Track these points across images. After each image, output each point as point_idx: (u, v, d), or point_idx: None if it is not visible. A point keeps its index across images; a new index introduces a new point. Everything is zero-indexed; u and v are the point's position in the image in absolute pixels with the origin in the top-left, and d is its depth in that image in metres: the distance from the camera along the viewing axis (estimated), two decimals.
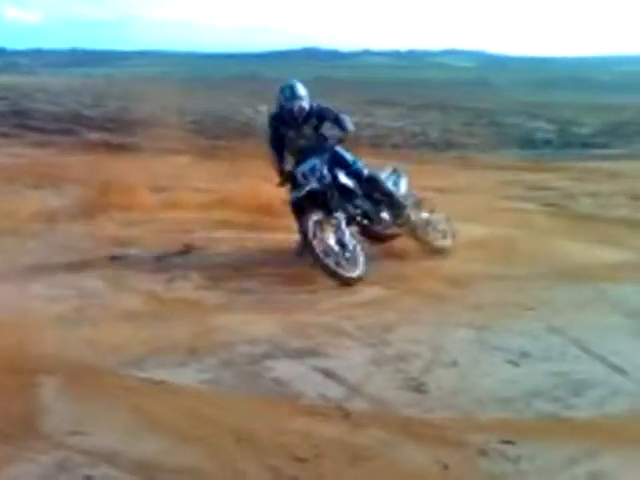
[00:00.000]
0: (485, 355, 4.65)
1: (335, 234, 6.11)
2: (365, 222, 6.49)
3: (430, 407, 3.91)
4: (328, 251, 5.96)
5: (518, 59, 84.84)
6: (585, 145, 20.15)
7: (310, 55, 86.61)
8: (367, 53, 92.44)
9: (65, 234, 7.42)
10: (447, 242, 6.95)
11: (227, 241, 7.27)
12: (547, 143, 20.69)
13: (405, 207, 6.63)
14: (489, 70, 63.71)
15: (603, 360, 4.51)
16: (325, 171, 6.26)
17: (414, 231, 6.78)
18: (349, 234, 6.16)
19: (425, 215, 6.94)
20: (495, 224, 7.81)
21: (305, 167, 6.28)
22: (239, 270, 6.30)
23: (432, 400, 3.99)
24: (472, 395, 4.04)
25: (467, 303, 5.61)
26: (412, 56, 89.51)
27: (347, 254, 6.03)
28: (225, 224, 7.84)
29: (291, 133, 6.47)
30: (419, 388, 4.13)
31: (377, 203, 6.57)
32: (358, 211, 6.44)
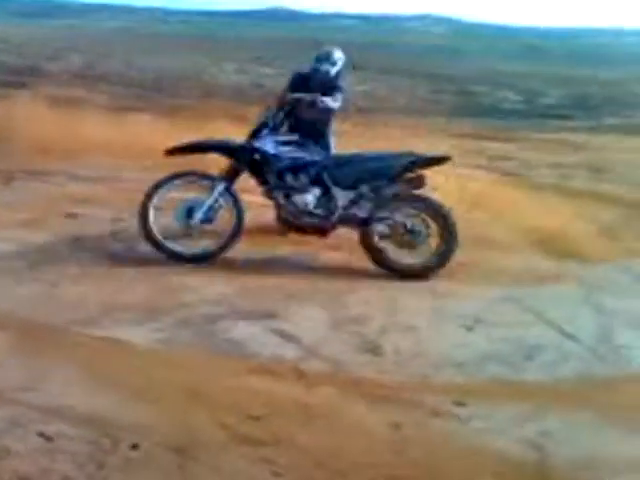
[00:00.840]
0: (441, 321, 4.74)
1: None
2: (281, 201, 5.64)
3: (385, 369, 3.98)
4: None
5: (492, 27, 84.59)
6: (550, 116, 20.33)
7: (277, 16, 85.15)
8: (337, 16, 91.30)
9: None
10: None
11: None
12: (513, 113, 20.83)
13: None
14: (461, 38, 63.52)
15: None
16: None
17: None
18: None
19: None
20: (451, 193, 7.81)
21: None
22: None
23: (387, 363, 4.06)
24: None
25: None
26: (384, 20, 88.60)
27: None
28: None
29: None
30: (375, 351, 4.19)
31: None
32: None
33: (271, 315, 4.60)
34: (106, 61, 15.04)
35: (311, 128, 6.07)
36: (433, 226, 5.55)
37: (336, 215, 5.60)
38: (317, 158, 5.71)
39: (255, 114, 6.02)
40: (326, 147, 6.19)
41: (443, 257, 5.51)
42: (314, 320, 4.58)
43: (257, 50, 29.92)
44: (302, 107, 6.01)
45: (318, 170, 5.66)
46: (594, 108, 22.80)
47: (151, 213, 5.42)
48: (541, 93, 25.54)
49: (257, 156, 5.62)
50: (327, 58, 6.23)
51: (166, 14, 77.88)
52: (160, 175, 5.57)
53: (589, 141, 14.62)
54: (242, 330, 4.36)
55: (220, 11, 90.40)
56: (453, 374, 3.99)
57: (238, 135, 5.88)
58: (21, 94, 11.88)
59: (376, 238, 5.55)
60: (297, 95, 5.97)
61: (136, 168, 8.05)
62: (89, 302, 4.58)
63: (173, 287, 4.99)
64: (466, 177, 8.64)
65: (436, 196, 5.85)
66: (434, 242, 5.53)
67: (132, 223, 5.74)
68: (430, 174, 5.71)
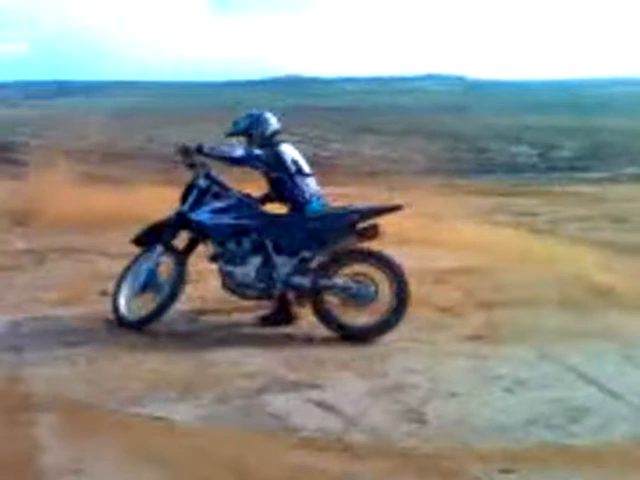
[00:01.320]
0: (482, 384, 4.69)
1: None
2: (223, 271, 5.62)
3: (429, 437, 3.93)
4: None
5: (497, 83, 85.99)
6: (567, 169, 20.43)
7: (292, 83, 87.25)
8: (349, 80, 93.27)
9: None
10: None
11: None
12: (530, 167, 20.97)
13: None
14: (469, 95, 64.47)
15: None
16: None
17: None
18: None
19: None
20: (485, 252, 7.86)
21: None
22: None
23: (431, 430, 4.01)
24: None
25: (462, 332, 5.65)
26: (393, 82, 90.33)
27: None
28: None
29: None
30: (418, 419, 4.15)
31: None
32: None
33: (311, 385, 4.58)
34: (126, 136, 15.38)
35: (273, 187, 5.85)
36: (384, 282, 5.36)
37: (278, 286, 5.49)
38: (258, 222, 5.58)
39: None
40: (296, 208, 5.73)
41: (397, 313, 5.34)
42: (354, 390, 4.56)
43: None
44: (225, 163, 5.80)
45: (260, 235, 5.54)
46: (609, 158, 22.90)
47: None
48: (555, 146, 25.72)
49: (194, 227, 5.68)
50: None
51: (184, 87, 79.80)
52: None
53: (609, 191, 14.65)
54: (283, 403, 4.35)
55: (239, 81, 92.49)
56: (497, 440, 3.93)
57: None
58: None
59: (325, 306, 5.43)
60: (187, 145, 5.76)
61: None
62: (130, 380, 4.61)
63: (211, 361, 5.01)
64: (497, 234, 8.68)
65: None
66: (387, 297, 5.36)
67: None
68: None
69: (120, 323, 5.61)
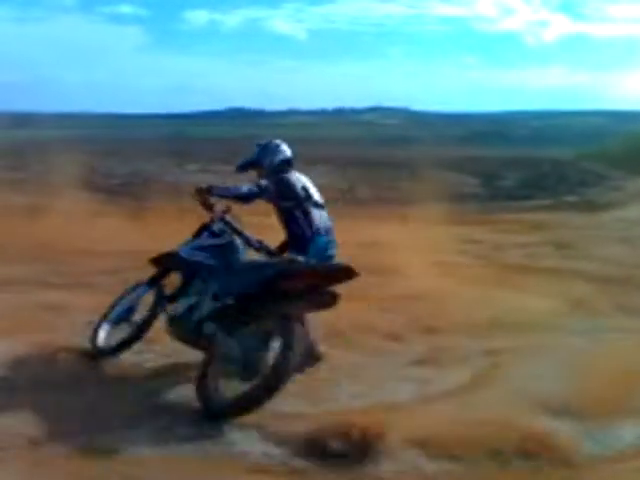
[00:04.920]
0: None
1: None
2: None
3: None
4: None
5: (440, 114, 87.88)
6: (509, 197, 20.87)
7: (236, 115, 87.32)
8: (293, 112, 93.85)
9: None
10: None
11: None
12: (473, 196, 21.35)
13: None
14: (413, 127, 65.64)
15: None
16: None
17: None
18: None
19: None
20: (429, 278, 7.90)
21: None
22: None
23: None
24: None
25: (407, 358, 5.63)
26: (339, 114, 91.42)
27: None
28: None
29: None
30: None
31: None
32: None
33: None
34: (70, 167, 15.08)
35: (283, 221, 5.44)
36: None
37: (190, 328, 4.96)
38: (212, 263, 5.16)
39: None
40: (297, 246, 5.30)
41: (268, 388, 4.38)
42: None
43: (219, 151, 30.41)
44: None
45: (211, 277, 5.07)
46: (550, 187, 23.49)
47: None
48: (497, 175, 26.27)
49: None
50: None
51: (127, 118, 79.11)
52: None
53: (550, 219, 14.98)
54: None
55: (182, 113, 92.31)
56: None
57: None
58: None
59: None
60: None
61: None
62: None
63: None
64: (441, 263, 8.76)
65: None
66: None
67: None
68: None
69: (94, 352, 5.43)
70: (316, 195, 5.50)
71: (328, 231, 5.42)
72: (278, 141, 5.70)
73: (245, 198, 5.26)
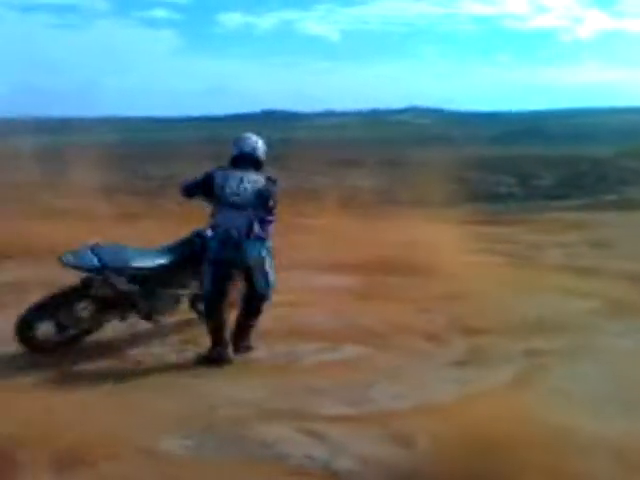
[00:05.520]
0: None
1: None
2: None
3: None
4: None
5: (474, 114, 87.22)
6: (547, 197, 20.64)
7: (270, 117, 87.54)
8: (329, 114, 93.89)
9: None
10: None
11: None
12: (510, 196, 21.17)
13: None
14: (448, 126, 65.25)
15: None
16: None
17: None
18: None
19: None
20: (467, 278, 7.87)
21: None
22: None
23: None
24: None
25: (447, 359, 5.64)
26: (374, 115, 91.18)
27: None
28: None
29: None
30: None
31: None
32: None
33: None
34: (110, 171, 15.30)
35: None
36: None
37: None
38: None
39: None
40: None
41: None
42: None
43: None
44: None
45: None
46: (588, 186, 23.17)
47: None
48: (534, 175, 26.00)
49: None
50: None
51: (161, 122, 79.84)
52: None
53: (588, 218, 14.78)
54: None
55: (216, 116, 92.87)
56: None
57: None
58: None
59: None
60: None
61: None
62: None
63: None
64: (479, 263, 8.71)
65: None
66: None
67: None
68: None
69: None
70: (234, 197, 5.43)
71: (228, 231, 5.44)
72: (246, 135, 5.72)
73: (186, 194, 5.79)
